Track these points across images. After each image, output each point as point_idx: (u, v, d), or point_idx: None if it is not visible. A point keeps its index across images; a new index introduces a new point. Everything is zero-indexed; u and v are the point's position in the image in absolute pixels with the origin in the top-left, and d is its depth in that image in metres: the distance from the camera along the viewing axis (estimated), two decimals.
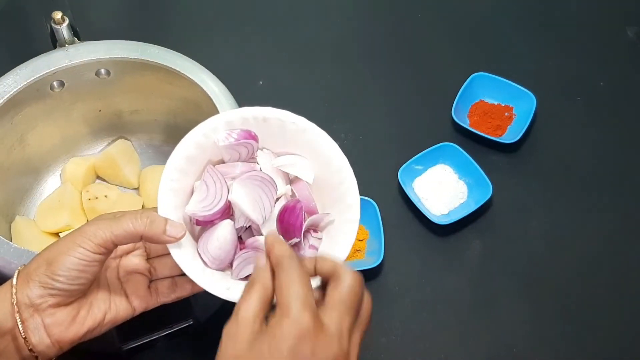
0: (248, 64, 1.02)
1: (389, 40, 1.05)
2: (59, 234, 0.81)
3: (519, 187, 0.91)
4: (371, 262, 0.81)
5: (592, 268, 0.85)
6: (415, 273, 0.84)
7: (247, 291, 0.50)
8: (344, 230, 0.58)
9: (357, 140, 0.95)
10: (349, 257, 0.82)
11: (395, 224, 0.87)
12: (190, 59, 0.78)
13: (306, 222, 0.58)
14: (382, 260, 0.81)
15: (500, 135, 0.94)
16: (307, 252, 0.58)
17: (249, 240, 0.58)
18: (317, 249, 0.59)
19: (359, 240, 0.84)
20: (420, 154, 0.90)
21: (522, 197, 0.90)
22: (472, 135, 0.93)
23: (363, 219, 0.85)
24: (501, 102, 0.97)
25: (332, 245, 0.58)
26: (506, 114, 0.96)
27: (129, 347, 0.64)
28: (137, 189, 0.86)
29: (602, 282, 0.84)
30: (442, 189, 0.89)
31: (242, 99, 0.75)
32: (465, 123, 0.94)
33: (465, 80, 0.96)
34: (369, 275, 0.83)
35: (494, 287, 0.84)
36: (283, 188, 0.60)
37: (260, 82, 1.00)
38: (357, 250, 0.84)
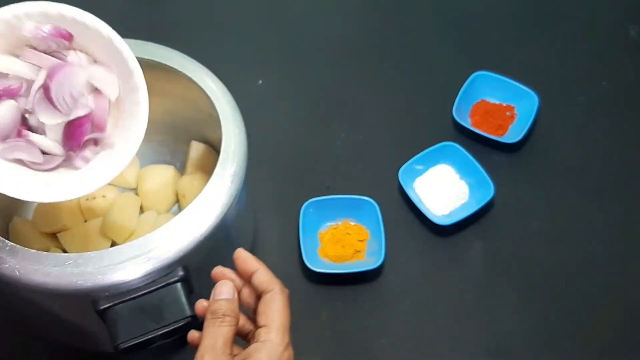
0: (247, 63, 1.01)
1: (389, 39, 1.05)
2: (57, 234, 0.80)
3: (521, 188, 0.91)
4: (372, 263, 0.81)
5: (594, 269, 0.85)
6: (416, 274, 0.84)
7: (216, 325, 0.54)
8: (132, 111, 0.62)
9: (357, 140, 0.94)
10: (349, 258, 0.82)
11: (395, 224, 0.86)
12: (189, 57, 0.77)
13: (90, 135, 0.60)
14: (382, 261, 0.81)
15: (502, 135, 0.94)
16: (78, 162, 0.61)
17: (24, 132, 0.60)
18: (88, 161, 0.62)
19: (359, 241, 0.84)
20: (421, 153, 0.90)
21: (524, 197, 0.90)
22: (473, 135, 0.93)
23: (363, 220, 0.85)
24: (503, 102, 0.96)
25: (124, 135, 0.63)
26: (508, 113, 0.95)
27: (125, 345, 0.63)
28: (135, 189, 0.85)
29: (604, 283, 0.84)
30: (443, 189, 0.88)
31: (241, 98, 0.75)
32: (467, 122, 0.94)
33: (467, 80, 0.95)
34: (369, 276, 0.82)
35: (495, 288, 0.83)
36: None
37: (260, 82, 0.99)
38: (358, 251, 0.83)
